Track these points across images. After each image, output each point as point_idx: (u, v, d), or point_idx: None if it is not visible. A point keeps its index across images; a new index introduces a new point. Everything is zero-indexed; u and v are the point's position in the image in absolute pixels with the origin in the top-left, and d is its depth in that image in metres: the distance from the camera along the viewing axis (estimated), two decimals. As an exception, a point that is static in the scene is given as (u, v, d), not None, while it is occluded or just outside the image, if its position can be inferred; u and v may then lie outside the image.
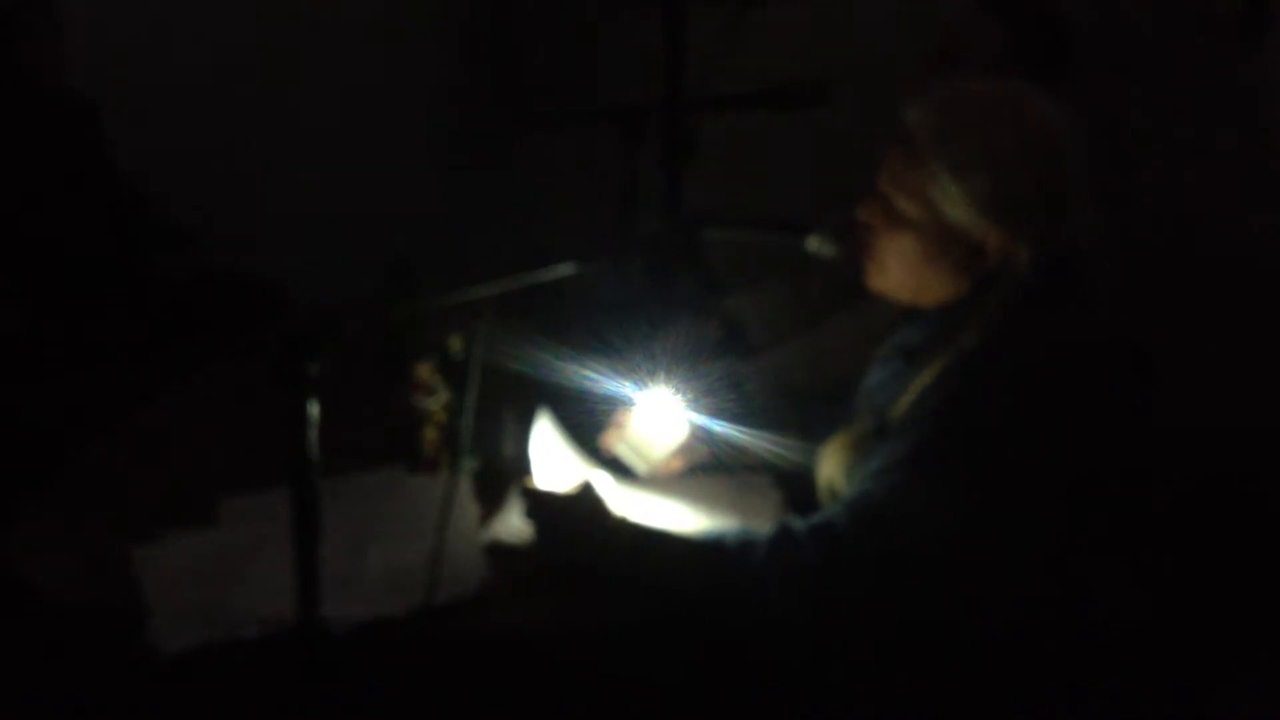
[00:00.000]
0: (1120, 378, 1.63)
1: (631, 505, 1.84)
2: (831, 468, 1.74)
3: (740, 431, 1.92)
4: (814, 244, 1.76)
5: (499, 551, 1.76)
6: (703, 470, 1.98)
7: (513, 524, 1.80)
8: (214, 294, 3.41)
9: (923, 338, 1.68)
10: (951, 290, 1.65)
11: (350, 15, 4.23)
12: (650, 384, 1.94)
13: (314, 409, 1.30)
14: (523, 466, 1.82)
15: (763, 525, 1.65)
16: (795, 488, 1.88)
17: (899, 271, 1.66)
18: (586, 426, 1.97)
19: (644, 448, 1.95)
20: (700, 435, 1.95)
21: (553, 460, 1.86)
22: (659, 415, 1.93)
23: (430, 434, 1.96)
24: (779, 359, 2.39)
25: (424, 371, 1.96)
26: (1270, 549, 2.64)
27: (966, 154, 1.57)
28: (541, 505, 1.72)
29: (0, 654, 1.63)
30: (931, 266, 1.64)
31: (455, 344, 1.98)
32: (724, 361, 2.06)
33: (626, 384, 1.94)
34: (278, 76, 4.16)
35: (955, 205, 1.58)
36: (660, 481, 1.96)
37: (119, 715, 1.58)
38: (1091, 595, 1.64)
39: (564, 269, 1.59)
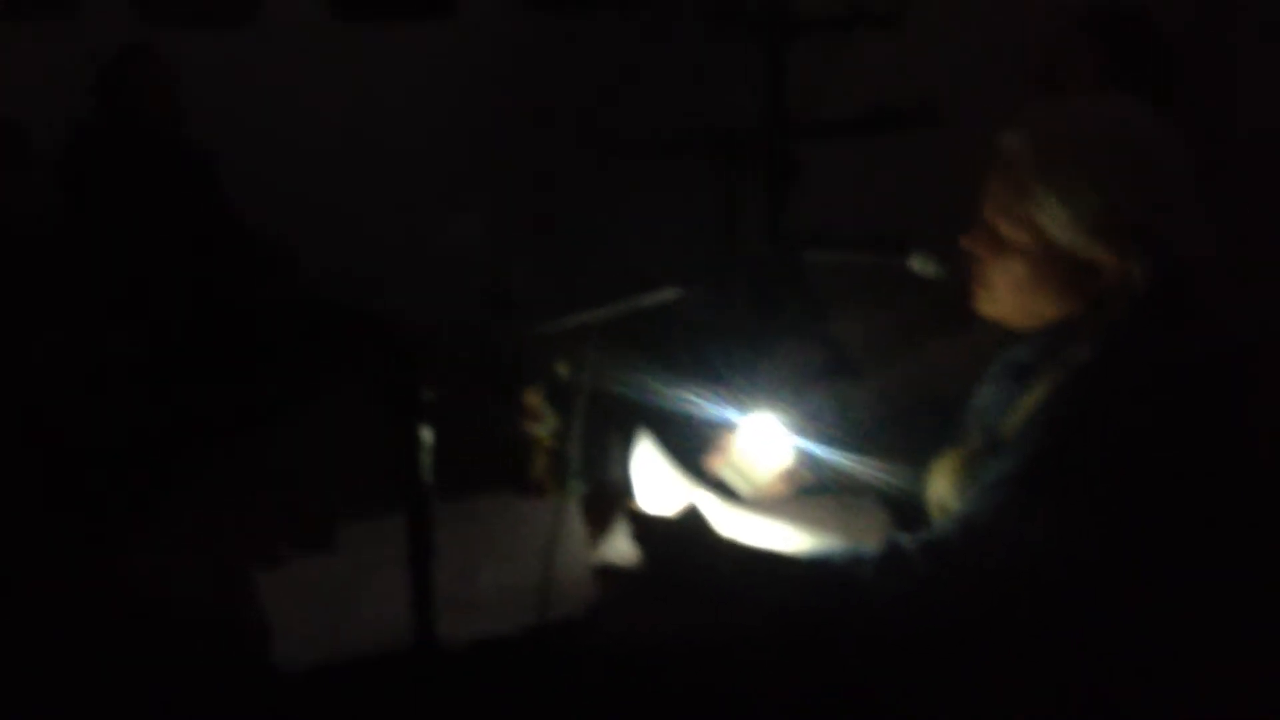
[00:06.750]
0: (1229, 393, 1.60)
1: (737, 526, 1.85)
2: (942, 487, 1.73)
3: (846, 457, 1.91)
4: (918, 264, 1.76)
5: (608, 573, 1.79)
6: (806, 493, 1.98)
7: (620, 547, 1.82)
8: (324, 323, 3.53)
9: (1033, 356, 1.66)
10: (1063, 310, 1.62)
11: (436, 54, 4.39)
12: (755, 407, 1.95)
13: (427, 434, 1.33)
14: (629, 490, 1.85)
15: (869, 544, 1.64)
16: (900, 509, 1.87)
17: (1010, 297, 1.65)
18: (690, 449, 1.98)
19: (748, 470, 1.95)
20: (806, 461, 1.95)
21: (657, 482, 1.87)
22: (763, 439, 1.94)
23: (539, 459, 2.00)
24: (884, 381, 2.38)
25: (533, 398, 1.99)
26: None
27: (1071, 177, 1.54)
28: (648, 528, 1.74)
29: (126, 667, 1.67)
30: (1042, 290, 1.62)
31: (562, 370, 2.01)
32: (828, 385, 2.05)
33: (731, 407, 1.95)
34: (374, 113, 4.32)
35: (1063, 229, 1.56)
36: (765, 503, 1.96)
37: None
38: (1198, 609, 1.60)
39: (667, 294, 1.61)
